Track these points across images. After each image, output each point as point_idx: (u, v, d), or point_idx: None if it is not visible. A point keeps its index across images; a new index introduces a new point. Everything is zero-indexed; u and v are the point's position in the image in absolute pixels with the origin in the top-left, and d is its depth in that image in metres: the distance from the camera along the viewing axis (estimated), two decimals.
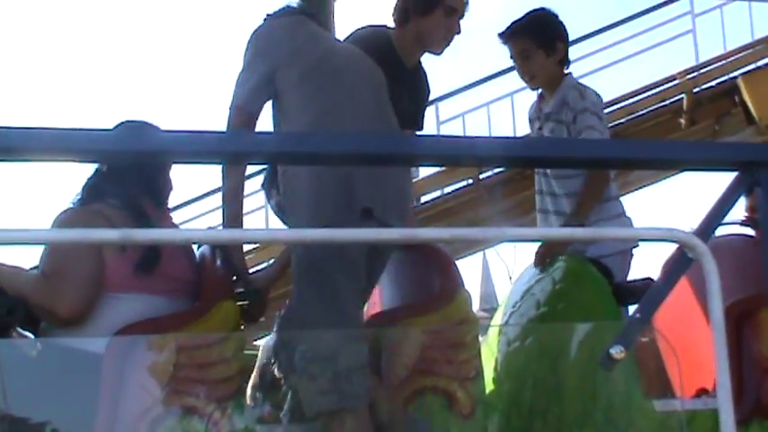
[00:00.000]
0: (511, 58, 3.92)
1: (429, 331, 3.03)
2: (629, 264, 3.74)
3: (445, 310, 3.07)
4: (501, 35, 3.91)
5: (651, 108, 9.40)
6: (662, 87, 9.45)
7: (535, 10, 3.96)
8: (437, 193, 9.57)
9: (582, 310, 3.31)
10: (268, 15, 3.23)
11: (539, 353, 3.17)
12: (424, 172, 9.36)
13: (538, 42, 3.84)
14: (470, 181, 9.50)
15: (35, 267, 2.95)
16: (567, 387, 3.08)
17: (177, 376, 2.71)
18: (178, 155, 1.53)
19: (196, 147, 1.46)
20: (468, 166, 8.06)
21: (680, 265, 1.59)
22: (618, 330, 1.54)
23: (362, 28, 3.55)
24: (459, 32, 3.43)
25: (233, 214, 3.07)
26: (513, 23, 3.90)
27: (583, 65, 10.04)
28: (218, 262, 3.05)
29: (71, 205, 3.02)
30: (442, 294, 3.11)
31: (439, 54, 3.48)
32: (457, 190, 9.54)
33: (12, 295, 2.82)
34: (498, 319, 3.67)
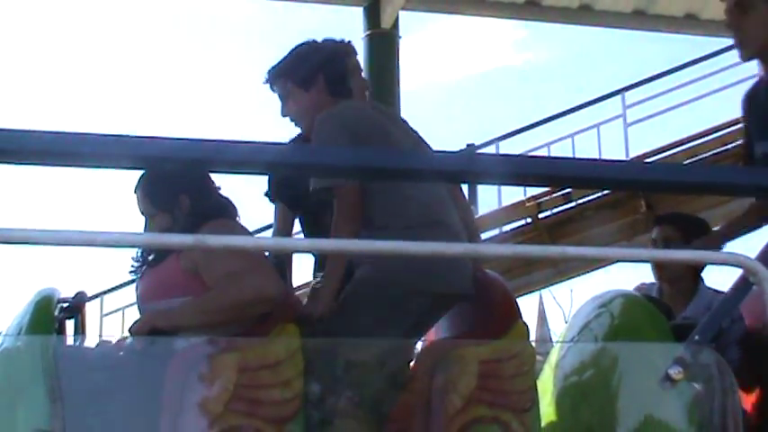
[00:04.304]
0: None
1: (485, 361, 3.03)
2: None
3: (502, 339, 3.08)
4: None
5: (713, 152, 9.34)
6: (724, 131, 9.38)
7: None
8: (495, 232, 9.57)
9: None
10: None
11: (596, 386, 3.15)
12: (482, 210, 9.36)
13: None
14: (529, 220, 9.48)
15: None
16: (624, 421, 3.06)
17: (238, 397, 2.75)
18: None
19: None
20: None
21: (740, 289, 1.59)
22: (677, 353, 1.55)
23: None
24: None
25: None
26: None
27: (648, 106, 10.03)
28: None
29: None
30: (500, 324, 3.12)
31: None
32: (515, 229, 9.53)
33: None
34: (555, 354, 3.66)
